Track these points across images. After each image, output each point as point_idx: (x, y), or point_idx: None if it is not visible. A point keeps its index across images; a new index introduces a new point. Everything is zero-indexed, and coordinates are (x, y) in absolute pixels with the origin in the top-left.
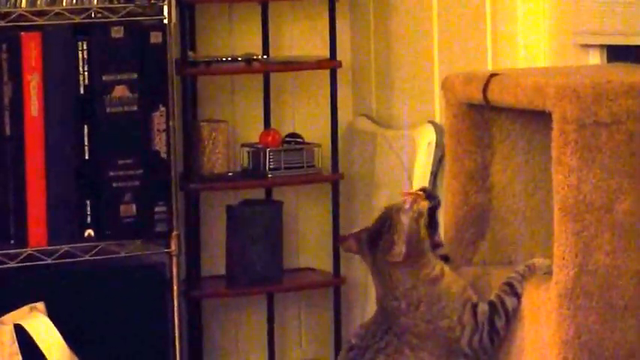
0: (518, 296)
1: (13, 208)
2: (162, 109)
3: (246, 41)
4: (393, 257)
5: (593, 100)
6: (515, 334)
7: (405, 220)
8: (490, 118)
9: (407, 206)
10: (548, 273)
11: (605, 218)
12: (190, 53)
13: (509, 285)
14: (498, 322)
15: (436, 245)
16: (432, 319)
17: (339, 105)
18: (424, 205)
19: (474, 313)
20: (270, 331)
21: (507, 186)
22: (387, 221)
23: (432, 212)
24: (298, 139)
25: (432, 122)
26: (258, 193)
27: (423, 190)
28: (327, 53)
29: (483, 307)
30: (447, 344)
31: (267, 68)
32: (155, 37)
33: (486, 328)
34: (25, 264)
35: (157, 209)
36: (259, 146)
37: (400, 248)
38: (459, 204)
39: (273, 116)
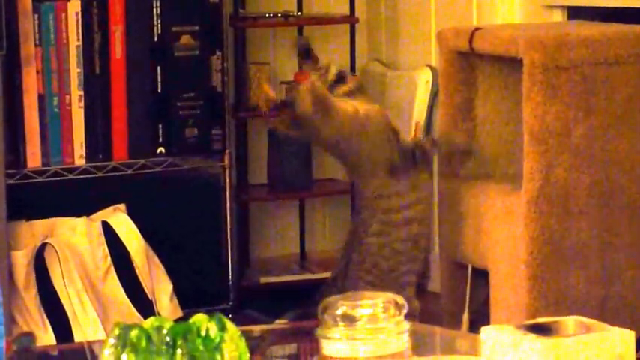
0: None
1: (101, 131)
2: (219, 53)
3: (284, 0)
4: (299, 110)
5: (555, 49)
6: (493, 231)
7: (302, 90)
8: (474, 63)
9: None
10: None
11: (564, 142)
12: (241, 10)
13: None
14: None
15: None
16: (360, 141)
17: (356, 51)
18: (313, 78)
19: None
20: (301, 228)
21: (487, 116)
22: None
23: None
24: None
25: (429, 65)
26: None
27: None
28: (347, 10)
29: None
30: (386, 167)
31: (300, 22)
32: None
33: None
34: (110, 174)
35: (213, 132)
36: (294, 83)
37: (303, 103)
38: (449, 130)
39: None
